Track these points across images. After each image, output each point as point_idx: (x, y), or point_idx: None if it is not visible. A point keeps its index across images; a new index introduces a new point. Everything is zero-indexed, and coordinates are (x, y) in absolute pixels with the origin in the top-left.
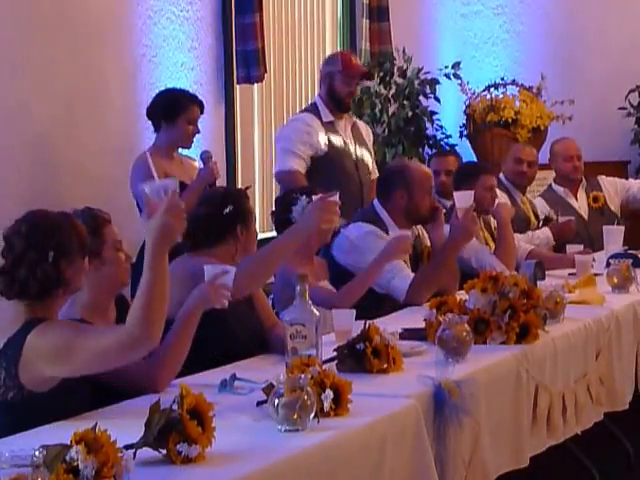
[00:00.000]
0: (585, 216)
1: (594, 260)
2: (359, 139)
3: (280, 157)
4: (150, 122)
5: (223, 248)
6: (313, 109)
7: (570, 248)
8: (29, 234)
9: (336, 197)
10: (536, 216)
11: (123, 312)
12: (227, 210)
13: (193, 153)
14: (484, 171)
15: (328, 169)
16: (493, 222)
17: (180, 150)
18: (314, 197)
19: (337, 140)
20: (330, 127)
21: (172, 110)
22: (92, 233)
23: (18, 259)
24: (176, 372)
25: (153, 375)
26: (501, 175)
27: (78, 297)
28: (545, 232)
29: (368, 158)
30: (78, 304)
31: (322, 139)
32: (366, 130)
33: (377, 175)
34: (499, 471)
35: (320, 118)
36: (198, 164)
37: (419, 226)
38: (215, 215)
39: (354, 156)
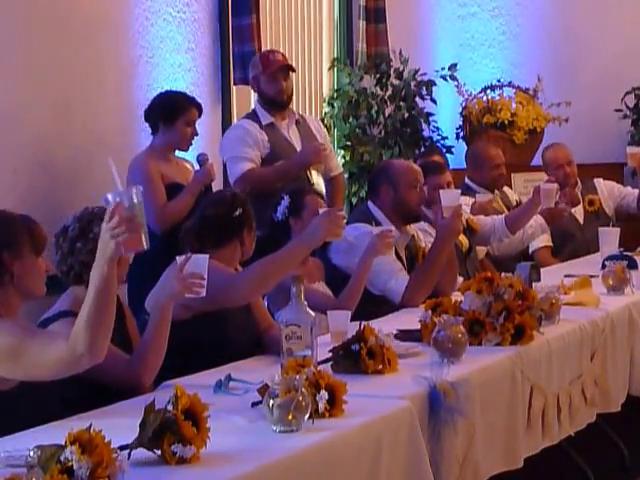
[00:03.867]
0: (580, 219)
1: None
2: (307, 135)
3: (230, 167)
4: (147, 124)
5: (228, 250)
6: (251, 115)
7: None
8: None
9: (343, 211)
10: (509, 208)
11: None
12: (237, 213)
13: (190, 155)
14: (432, 171)
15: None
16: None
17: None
18: (320, 210)
19: (279, 140)
20: (270, 128)
21: (171, 112)
22: None
23: None
24: (157, 366)
25: (135, 372)
26: (467, 180)
27: (75, 290)
28: (537, 219)
29: None
30: (73, 296)
31: (263, 141)
32: (316, 124)
33: (340, 171)
34: (491, 472)
35: (259, 122)
36: (194, 166)
37: (415, 227)
38: (225, 217)
39: None
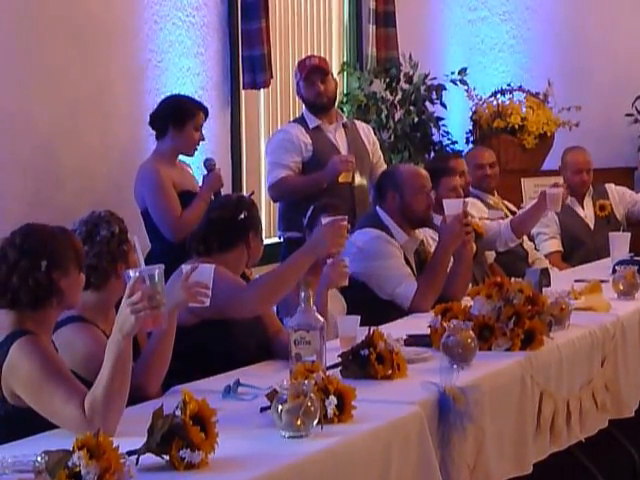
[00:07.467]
0: (591, 224)
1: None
2: (354, 139)
3: (269, 171)
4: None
5: (235, 254)
6: (299, 118)
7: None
8: (22, 244)
9: (345, 221)
10: (512, 211)
11: None
12: (242, 216)
13: (196, 159)
14: (445, 173)
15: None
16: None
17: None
18: (323, 220)
19: (324, 143)
20: (316, 132)
21: (181, 116)
22: (120, 238)
23: (11, 268)
24: (162, 374)
25: (139, 380)
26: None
27: (82, 295)
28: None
29: (362, 159)
30: (81, 301)
31: (305, 144)
32: (366, 130)
33: None
34: (501, 477)
35: (306, 125)
36: (200, 171)
37: (422, 232)
38: (230, 220)
39: None
